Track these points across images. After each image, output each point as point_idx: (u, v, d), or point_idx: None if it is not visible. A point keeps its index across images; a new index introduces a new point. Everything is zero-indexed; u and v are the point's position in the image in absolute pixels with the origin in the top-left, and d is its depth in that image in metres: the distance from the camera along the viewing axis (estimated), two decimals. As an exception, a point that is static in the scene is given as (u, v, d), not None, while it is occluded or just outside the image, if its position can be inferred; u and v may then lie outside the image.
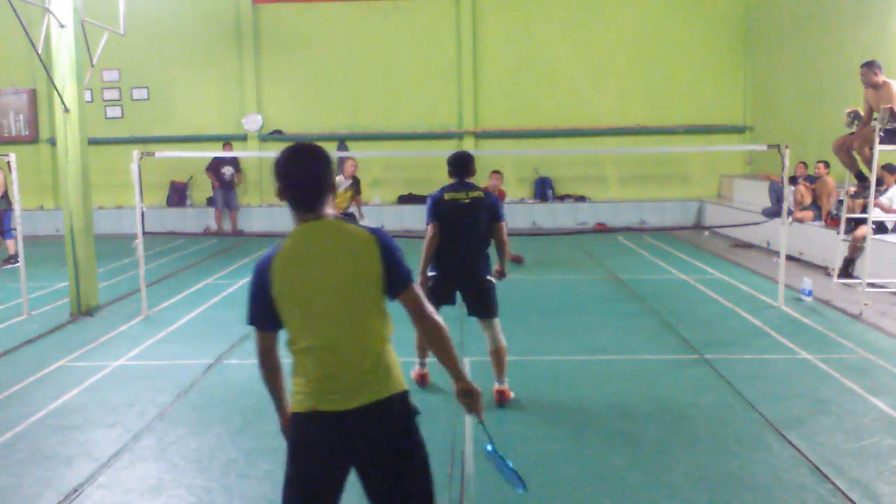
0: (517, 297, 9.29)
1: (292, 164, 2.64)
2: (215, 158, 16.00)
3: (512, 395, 5.54)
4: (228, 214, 16.41)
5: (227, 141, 16.48)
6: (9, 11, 8.00)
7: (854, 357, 6.44)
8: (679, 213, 16.43)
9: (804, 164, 12.34)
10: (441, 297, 5.53)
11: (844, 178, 9.27)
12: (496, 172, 11.79)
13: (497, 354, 5.53)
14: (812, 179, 11.90)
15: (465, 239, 5.48)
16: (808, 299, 8.52)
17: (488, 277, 5.57)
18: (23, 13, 8.18)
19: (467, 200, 5.49)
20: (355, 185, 12.04)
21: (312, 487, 2.61)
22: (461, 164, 5.60)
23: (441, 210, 5.48)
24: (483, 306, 5.53)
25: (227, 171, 16.14)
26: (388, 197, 17.02)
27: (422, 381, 5.90)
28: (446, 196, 5.50)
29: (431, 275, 5.58)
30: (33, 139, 17.19)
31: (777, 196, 12.07)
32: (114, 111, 17.26)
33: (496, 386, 5.49)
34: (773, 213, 11.77)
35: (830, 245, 9.66)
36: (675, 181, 17.21)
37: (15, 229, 8.90)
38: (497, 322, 5.55)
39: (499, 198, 11.28)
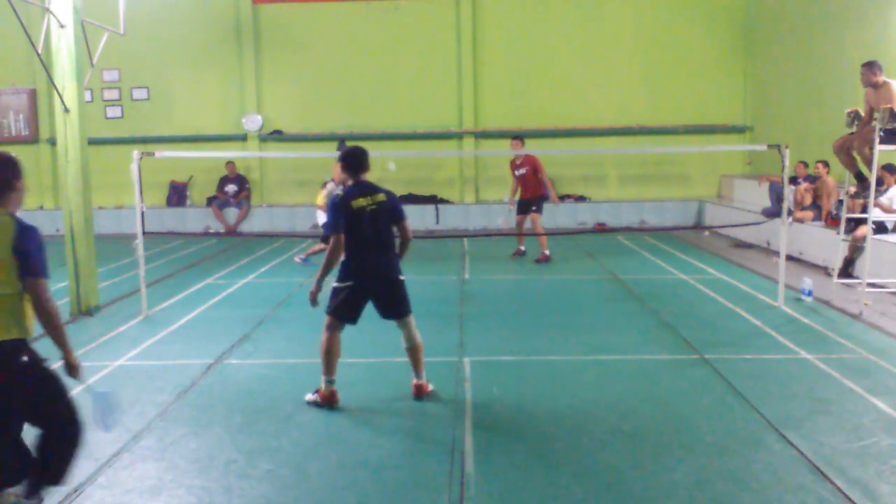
0: (517, 297, 9.30)
1: None
2: (222, 179, 16.71)
3: (430, 387, 5.59)
4: (237, 212, 16.47)
5: (229, 160, 16.61)
6: (9, 11, 7.99)
7: (854, 357, 6.44)
8: (679, 213, 16.42)
9: (804, 163, 12.34)
10: (350, 311, 5.45)
11: (844, 178, 9.28)
12: (517, 139, 11.93)
13: (413, 352, 5.52)
14: (812, 179, 11.91)
15: (374, 245, 5.35)
16: (808, 299, 8.52)
17: (400, 277, 5.49)
18: (23, 13, 8.18)
19: (374, 206, 5.35)
20: None
21: None
22: (359, 161, 5.43)
23: (348, 219, 5.31)
24: (397, 306, 5.47)
25: (230, 188, 16.60)
26: (388, 197, 16.98)
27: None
28: (353, 204, 5.31)
29: (344, 285, 5.41)
30: (33, 139, 17.19)
31: (777, 196, 12.07)
32: (114, 111, 17.26)
33: (414, 381, 5.54)
34: (773, 213, 11.77)
35: (830, 245, 9.66)
36: (675, 181, 17.20)
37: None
38: (412, 319, 5.52)
39: (537, 167, 11.66)
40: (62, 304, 8.79)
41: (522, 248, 12.15)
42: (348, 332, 7.47)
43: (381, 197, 5.40)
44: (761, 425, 4.96)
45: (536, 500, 4.01)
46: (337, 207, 5.33)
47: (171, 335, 7.59)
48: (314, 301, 5.41)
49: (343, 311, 5.43)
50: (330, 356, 5.41)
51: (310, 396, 5.50)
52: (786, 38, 15.03)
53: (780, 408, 5.25)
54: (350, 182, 5.46)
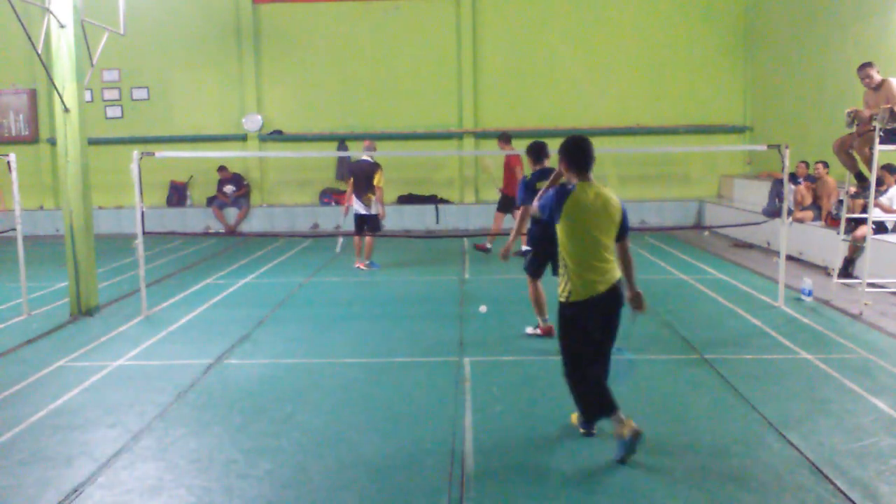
0: (518, 297, 9.29)
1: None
2: (219, 182, 16.68)
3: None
4: (237, 213, 16.47)
5: (221, 165, 16.61)
6: (9, 11, 7.99)
7: (854, 357, 6.44)
8: (679, 213, 16.42)
9: (805, 163, 12.34)
10: (538, 268, 7.02)
11: (844, 178, 9.27)
12: (503, 138, 12.43)
13: None
14: (812, 179, 11.91)
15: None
16: (808, 299, 8.52)
17: None
18: (23, 13, 8.17)
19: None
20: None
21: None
22: (531, 151, 7.06)
23: (532, 196, 6.62)
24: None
25: (229, 189, 16.64)
26: (389, 197, 16.93)
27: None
28: (536, 185, 6.56)
29: (529, 249, 7.15)
30: (33, 139, 17.19)
31: (777, 195, 12.09)
32: (114, 111, 17.26)
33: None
34: (773, 212, 11.78)
35: (830, 245, 9.66)
36: (675, 181, 17.20)
37: (14, 229, 8.89)
38: None
39: (511, 164, 12.02)
40: (62, 305, 8.81)
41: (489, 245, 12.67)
42: (350, 337, 7.51)
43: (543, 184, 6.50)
44: (761, 425, 4.96)
45: (536, 501, 4.01)
46: (525, 186, 6.84)
47: (170, 335, 7.59)
48: (505, 258, 6.76)
49: (534, 269, 7.02)
50: (539, 302, 7.07)
51: (530, 330, 7.21)
52: (786, 38, 15.02)
53: (780, 408, 5.25)
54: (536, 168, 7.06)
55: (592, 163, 4.62)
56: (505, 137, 12.34)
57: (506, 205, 12.10)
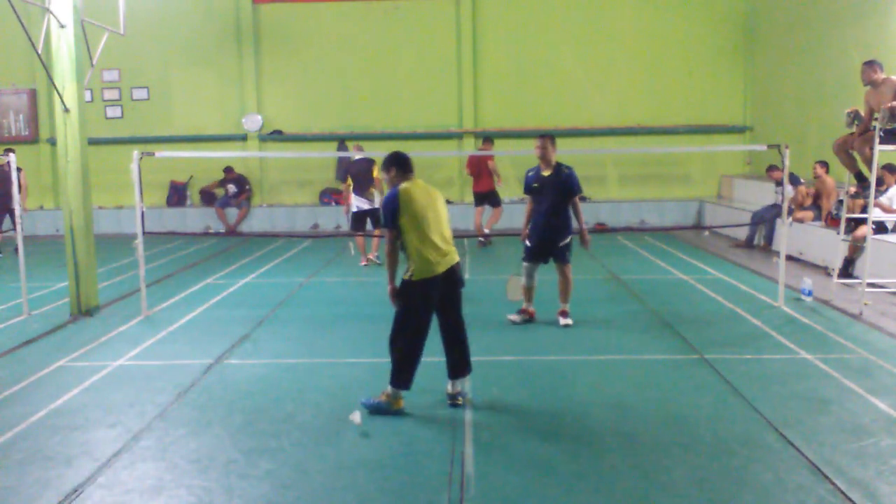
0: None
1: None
2: (224, 178, 16.82)
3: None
4: (237, 213, 16.49)
5: (228, 167, 16.68)
6: (9, 11, 8.00)
7: (854, 357, 6.44)
8: (679, 213, 16.42)
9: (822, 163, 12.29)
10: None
11: (844, 178, 9.27)
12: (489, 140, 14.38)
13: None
14: (796, 181, 11.96)
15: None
16: (808, 299, 8.52)
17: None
18: (23, 13, 8.18)
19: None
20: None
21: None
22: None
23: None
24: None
25: (230, 189, 16.72)
26: (388, 197, 16.98)
27: None
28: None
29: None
30: (33, 139, 17.20)
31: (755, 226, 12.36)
32: (114, 111, 17.26)
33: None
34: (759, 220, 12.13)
35: (830, 245, 9.65)
36: (675, 181, 17.20)
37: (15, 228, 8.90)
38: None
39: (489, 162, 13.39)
40: (62, 305, 8.81)
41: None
42: (350, 337, 7.51)
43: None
44: (761, 425, 4.96)
45: (536, 501, 4.01)
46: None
47: (171, 335, 7.59)
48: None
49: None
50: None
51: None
52: (786, 38, 15.02)
53: (780, 408, 5.25)
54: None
55: (413, 167, 5.55)
56: (489, 140, 14.15)
57: (490, 199, 13.72)
